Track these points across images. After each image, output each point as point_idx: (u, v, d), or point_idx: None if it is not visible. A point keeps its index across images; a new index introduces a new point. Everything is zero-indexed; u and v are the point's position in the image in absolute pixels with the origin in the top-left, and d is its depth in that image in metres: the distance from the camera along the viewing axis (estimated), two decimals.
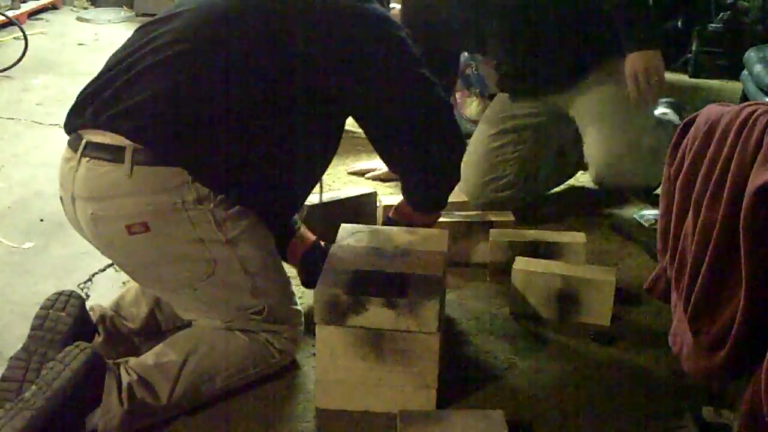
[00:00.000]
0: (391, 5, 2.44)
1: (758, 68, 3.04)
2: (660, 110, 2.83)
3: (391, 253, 1.76)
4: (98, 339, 1.74)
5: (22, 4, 5.08)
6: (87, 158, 1.60)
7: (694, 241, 1.46)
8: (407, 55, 1.75)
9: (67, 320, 1.65)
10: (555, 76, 2.47)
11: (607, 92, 2.40)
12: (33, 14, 5.28)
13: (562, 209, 2.66)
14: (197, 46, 1.64)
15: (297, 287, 1.92)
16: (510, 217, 2.34)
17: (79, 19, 5.38)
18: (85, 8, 5.62)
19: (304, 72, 1.66)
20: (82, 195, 1.61)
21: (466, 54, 3.06)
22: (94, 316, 1.76)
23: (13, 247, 2.37)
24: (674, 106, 2.92)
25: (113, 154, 1.57)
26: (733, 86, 3.89)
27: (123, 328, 1.79)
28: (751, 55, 3.20)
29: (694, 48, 4.23)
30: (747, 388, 1.32)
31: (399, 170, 1.94)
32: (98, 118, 1.61)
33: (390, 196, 2.52)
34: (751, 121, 1.36)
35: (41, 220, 2.52)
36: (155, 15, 1.81)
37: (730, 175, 1.35)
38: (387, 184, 2.75)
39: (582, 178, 2.89)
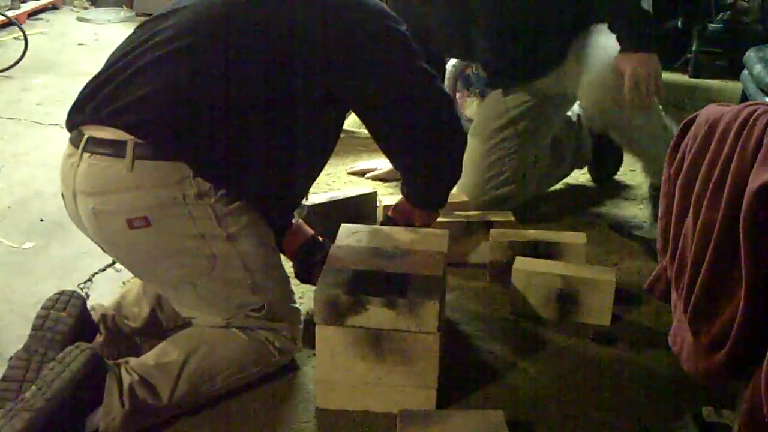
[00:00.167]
0: None
1: (758, 68, 3.04)
2: None
3: (391, 253, 1.76)
4: (99, 338, 1.74)
5: (22, 4, 5.08)
6: (89, 153, 1.60)
7: (694, 241, 1.46)
8: (407, 48, 1.76)
9: (67, 320, 1.65)
10: (543, 59, 2.47)
11: (592, 53, 2.37)
12: (33, 14, 5.28)
13: (561, 209, 2.67)
14: (197, 42, 1.64)
15: (296, 286, 1.92)
16: (510, 217, 2.34)
17: (79, 19, 5.38)
18: (85, 8, 5.62)
19: (305, 66, 1.66)
20: (83, 190, 1.61)
21: None
22: (95, 316, 1.76)
23: (13, 247, 2.37)
24: None
25: (115, 148, 1.58)
26: (733, 86, 3.88)
27: (124, 327, 1.79)
28: (751, 55, 3.20)
29: (694, 48, 4.23)
30: (747, 388, 1.32)
31: (401, 165, 1.94)
32: (99, 113, 1.62)
33: (390, 196, 2.52)
34: (751, 121, 1.35)
35: (41, 220, 2.52)
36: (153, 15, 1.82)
37: (730, 175, 1.35)
38: (387, 184, 2.75)
39: (581, 178, 2.89)
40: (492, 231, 2.21)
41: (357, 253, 1.76)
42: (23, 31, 4.20)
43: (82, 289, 2.13)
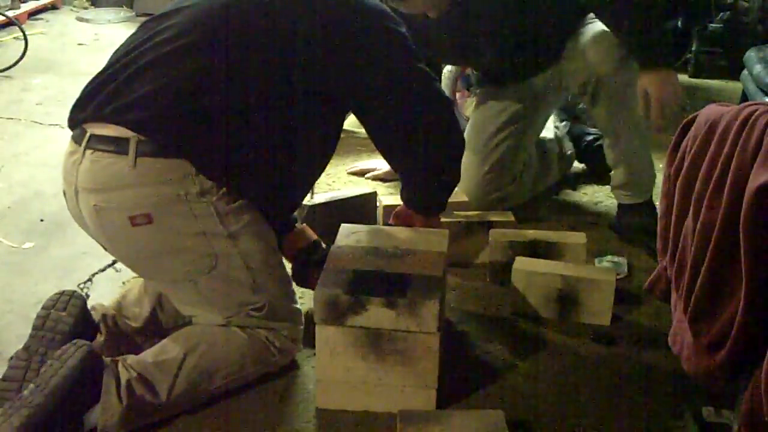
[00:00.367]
0: None
1: (758, 68, 3.04)
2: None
3: (391, 253, 1.76)
4: (100, 338, 1.74)
5: (22, 4, 5.08)
6: (91, 150, 1.61)
7: (694, 241, 1.46)
8: (406, 49, 1.76)
9: (68, 320, 1.65)
10: (543, 57, 2.46)
11: (591, 28, 2.35)
12: (33, 14, 5.28)
13: (562, 209, 2.67)
14: (199, 40, 1.65)
15: (296, 286, 1.92)
16: (510, 217, 2.34)
17: (79, 19, 5.38)
18: (85, 8, 5.62)
19: (304, 66, 1.67)
20: (85, 187, 1.62)
21: None
22: (96, 316, 1.76)
23: (13, 247, 2.37)
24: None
25: (117, 145, 1.58)
26: (733, 86, 3.88)
27: (125, 327, 1.79)
28: (751, 55, 3.20)
29: (694, 48, 4.23)
30: (747, 388, 1.32)
31: (399, 167, 1.94)
32: (102, 111, 1.62)
33: (390, 196, 2.51)
34: (751, 121, 1.36)
35: (41, 220, 2.52)
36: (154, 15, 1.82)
37: (730, 174, 1.35)
38: (387, 184, 2.75)
39: (581, 179, 2.89)
40: (492, 231, 2.21)
41: (357, 253, 1.76)
42: (23, 31, 4.20)
43: (82, 289, 2.13)
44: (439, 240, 1.83)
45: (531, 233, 2.21)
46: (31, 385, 1.48)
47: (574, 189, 2.83)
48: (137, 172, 1.58)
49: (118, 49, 1.76)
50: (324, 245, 1.97)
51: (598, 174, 2.87)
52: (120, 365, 1.58)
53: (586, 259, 2.16)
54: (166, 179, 1.58)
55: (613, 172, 2.49)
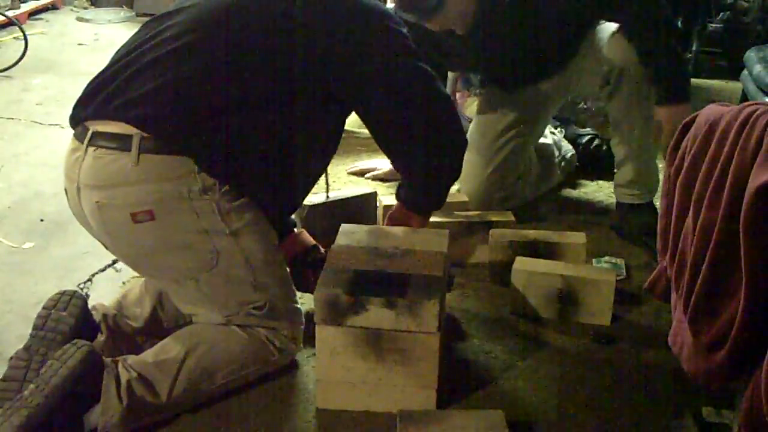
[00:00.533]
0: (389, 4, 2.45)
1: (758, 68, 3.04)
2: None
3: (391, 253, 1.76)
4: (101, 338, 1.74)
5: (22, 4, 5.08)
6: (94, 147, 1.61)
7: (694, 241, 1.46)
8: (407, 49, 1.76)
9: (68, 320, 1.65)
10: (554, 62, 2.46)
11: (605, 29, 2.36)
12: (33, 14, 5.29)
13: (562, 209, 2.67)
14: (201, 39, 1.66)
15: None
16: (510, 217, 2.34)
17: (79, 19, 5.39)
18: (85, 8, 5.63)
19: (306, 65, 1.67)
20: (88, 183, 1.62)
21: None
22: (96, 316, 1.76)
23: (13, 247, 2.37)
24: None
25: (120, 142, 1.59)
26: (733, 86, 3.89)
27: (126, 327, 1.79)
28: (751, 55, 3.20)
29: (694, 48, 4.23)
30: (747, 388, 1.32)
31: (401, 165, 1.94)
32: (105, 108, 1.63)
33: (390, 196, 2.51)
34: (751, 121, 1.36)
35: (41, 220, 2.52)
36: (155, 15, 1.82)
37: (730, 174, 1.35)
38: (387, 184, 2.75)
39: (581, 178, 2.89)
40: (492, 231, 2.21)
41: (357, 253, 1.76)
42: (23, 31, 4.20)
43: (82, 289, 2.13)
44: (439, 240, 1.83)
45: (531, 233, 2.21)
46: (32, 386, 1.48)
47: (574, 189, 2.83)
48: (140, 169, 1.58)
49: (120, 49, 1.76)
50: (322, 250, 1.97)
51: (597, 174, 2.87)
52: (120, 365, 1.58)
53: (585, 260, 2.17)
54: (169, 176, 1.59)
55: (618, 170, 2.48)
